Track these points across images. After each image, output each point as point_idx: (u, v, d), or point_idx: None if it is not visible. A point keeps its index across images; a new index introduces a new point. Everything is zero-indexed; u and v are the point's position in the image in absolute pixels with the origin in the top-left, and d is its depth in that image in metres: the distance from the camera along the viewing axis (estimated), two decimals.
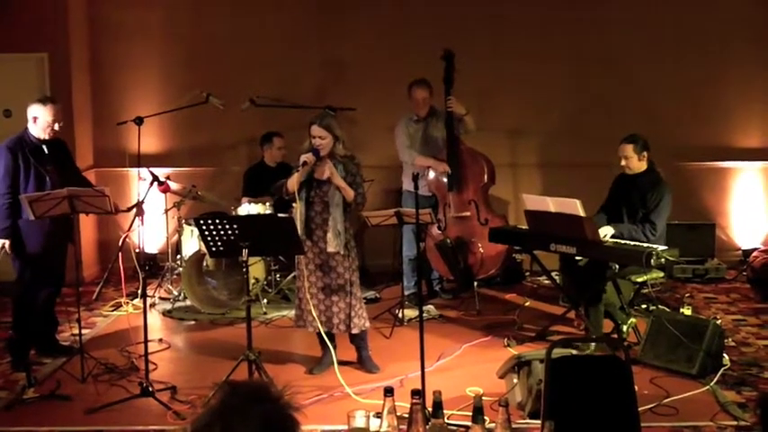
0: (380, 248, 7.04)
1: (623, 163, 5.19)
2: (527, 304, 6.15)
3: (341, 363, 4.67)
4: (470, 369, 4.77)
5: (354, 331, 4.69)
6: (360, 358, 4.83)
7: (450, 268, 6.07)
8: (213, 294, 6.12)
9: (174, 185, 6.20)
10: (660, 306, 5.65)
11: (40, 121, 4.84)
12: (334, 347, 4.69)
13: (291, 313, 5.42)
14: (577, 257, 5.08)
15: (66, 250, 5.13)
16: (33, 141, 4.87)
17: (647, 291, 5.50)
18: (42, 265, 4.90)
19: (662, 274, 5.23)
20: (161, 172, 6.45)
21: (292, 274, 5.97)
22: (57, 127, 4.90)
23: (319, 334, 4.67)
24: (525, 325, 5.59)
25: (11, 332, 5.05)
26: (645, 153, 5.15)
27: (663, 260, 4.63)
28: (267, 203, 6.16)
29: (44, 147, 4.90)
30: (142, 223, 4.50)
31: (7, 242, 4.76)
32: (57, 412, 4.22)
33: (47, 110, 4.85)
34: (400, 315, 5.68)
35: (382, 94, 6.84)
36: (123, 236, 4.59)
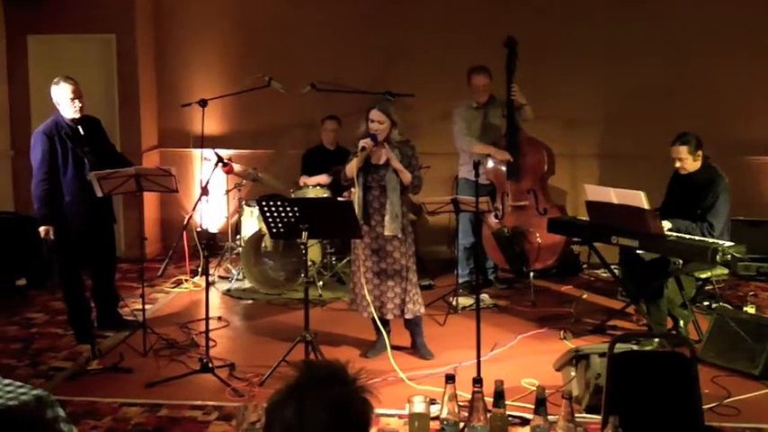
0: (434, 236, 7.04)
1: (678, 165, 5.05)
2: (584, 297, 6.07)
3: (395, 348, 4.69)
4: (525, 360, 4.74)
5: (408, 316, 4.69)
6: (414, 344, 4.85)
7: (506, 257, 6.03)
8: (270, 274, 6.20)
9: (236, 167, 6.29)
10: (723, 304, 5.52)
11: (62, 102, 4.79)
12: (389, 333, 4.72)
13: (346, 297, 5.47)
14: (640, 251, 4.99)
15: (111, 230, 5.21)
16: (68, 123, 4.81)
17: (710, 288, 5.36)
18: (80, 246, 4.93)
19: (726, 271, 5.10)
20: (223, 153, 6.56)
21: (347, 258, 6.02)
22: (78, 104, 4.80)
23: (374, 318, 4.70)
24: (581, 318, 5.52)
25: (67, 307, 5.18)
26: (699, 152, 5.01)
27: (729, 257, 4.51)
28: (324, 186, 6.23)
29: (79, 128, 4.85)
30: (207, 203, 4.57)
31: (51, 228, 4.78)
32: (118, 384, 4.34)
33: (61, 89, 4.78)
34: (454, 303, 5.67)
35: (439, 80, 6.80)
36: (187, 216, 4.68)
